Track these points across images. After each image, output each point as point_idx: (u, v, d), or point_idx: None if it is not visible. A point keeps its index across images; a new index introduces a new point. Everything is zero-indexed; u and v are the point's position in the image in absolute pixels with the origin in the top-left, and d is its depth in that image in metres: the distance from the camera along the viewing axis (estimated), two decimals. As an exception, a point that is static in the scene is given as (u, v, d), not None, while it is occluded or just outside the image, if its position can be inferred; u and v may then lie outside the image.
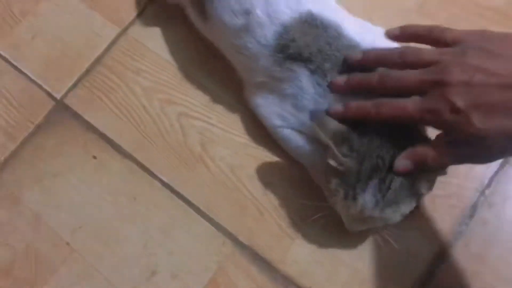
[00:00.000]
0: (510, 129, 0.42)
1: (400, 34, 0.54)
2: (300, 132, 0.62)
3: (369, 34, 0.58)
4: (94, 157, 0.70)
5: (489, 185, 0.63)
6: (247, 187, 0.66)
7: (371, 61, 0.53)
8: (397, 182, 0.50)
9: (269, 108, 0.63)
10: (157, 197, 0.67)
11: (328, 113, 0.53)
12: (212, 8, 0.63)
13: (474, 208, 0.62)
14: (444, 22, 0.53)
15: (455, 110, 0.43)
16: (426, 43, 0.52)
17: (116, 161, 0.69)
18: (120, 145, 0.70)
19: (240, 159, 0.67)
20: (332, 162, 0.52)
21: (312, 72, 0.57)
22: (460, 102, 0.43)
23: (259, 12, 0.59)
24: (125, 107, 0.72)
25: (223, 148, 0.68)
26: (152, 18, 0.77)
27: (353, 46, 0.56)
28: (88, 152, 0.70)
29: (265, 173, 0.66)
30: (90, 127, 0.71)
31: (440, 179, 0.62)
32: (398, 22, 0.57)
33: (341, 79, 0.55)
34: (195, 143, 0.69)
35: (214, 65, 0.72)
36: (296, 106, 0.60)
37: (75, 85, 0.74)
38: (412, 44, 0.53)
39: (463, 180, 0.63)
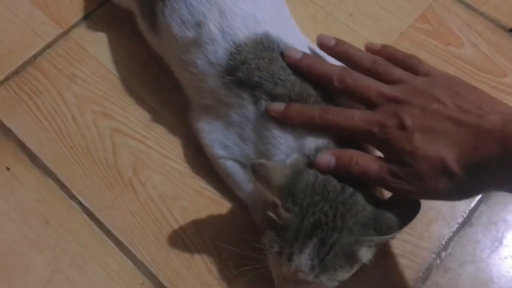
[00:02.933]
0: (444, 159, 0.42)
1: (380, 50, 0.52)
2: (243, 165, 0.55)
3: (329, 60, 0.53)
4: (7, 168, 0.60)
5: (446, 246, 0.56)
6: (178, 222, 0.57)
7: (340, 52, 0.51)
8: (338, 246, 0.43)
9: (213, 135, 0.56)
10: (72, 222, 0.58)
11: (268, 111, 0.49)
12: (162, 17, 0.56)
13: (428, 271, 0.55)
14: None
15: (401, 126, 0.43)
16: (400, 67, 0.49)
17: (32, 175, 0.60)
18: (39, 157, 0.61)
19: (174, 189, 0.59)
20: (271, 215, 0.45)
21: (257, 99, 0.51)
22: (409, 121, 0.43)
23: (212, 25, 0.52)
24: (52, 115, 0.63)
25: (157, 174, 0.60)
26: (99, 23, 0.70)
27: None
28: (0, 161, 0.60)
29: (200, 208, 0.58)
30: (8, 134, 0.62)
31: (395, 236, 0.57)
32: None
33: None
34: (127, 166, 0.60)
35: (160, 82, 0.65)
36: (241, 136, 0.53)
37: (-1, 84, 0.65)
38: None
39: (419, 239, 0.57)
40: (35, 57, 0.67)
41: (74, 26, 0.70)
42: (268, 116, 0.50)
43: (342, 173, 0.46)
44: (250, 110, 0.51)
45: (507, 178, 0.41)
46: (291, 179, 0.45)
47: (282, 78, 0.50)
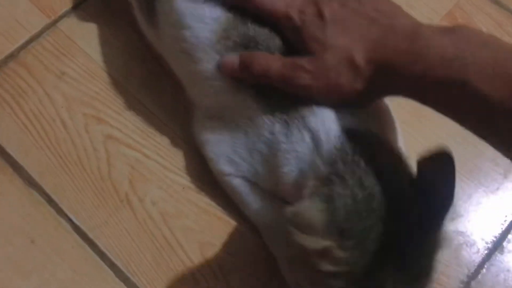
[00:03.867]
0: (351, 51, 0.42)
1: None
2: (251, 182, 0.49)
3: None
4: (-13, 179, 0.54)
5: (475, 275, 0.52)
6: (181, 243, 0.52)
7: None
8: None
9: (218, 147, 0.50)
10: (62, 242, 0.52)
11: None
12: (162, 11, 0.49)
13: (456, 300, 0.51)
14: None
15: (319, 15, 0.44)
16: None
17: (15, 187, 0.54)
18: (23, 167, 0.54)
19: (176, 205, 0.53)
20: (326, 266, 0.38)
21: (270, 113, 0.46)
22: (326, 12, 0.44)
23: None
24: (38, 118, 0.57)
25: (156, 188, 0.54)
26: (92, 14, 0.63)
27: None
28: (-21, 171, 0.54)
29: (205, 228, 0.52)
30: (-13, 139, 0.55)
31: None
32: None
33: None
34: (122, 178, 0.54)
35: (161, 83, 0.58)
36: (248, 146, 0.47)
37: (-24, 82, 0.58)
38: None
39: (445, 266, 0.52)
40: (18, 50, 0.60)
41: (63, 16, 0.62)
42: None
43: (243, 75, 0.46)
44: (254, 109, 0.46)
45: (414, 80, 0.40)
46: (330, 212, 0.38)
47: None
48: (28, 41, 0.61)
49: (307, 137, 0.44)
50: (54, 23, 0.62)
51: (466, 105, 0.38)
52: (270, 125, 0.46)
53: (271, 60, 0.45)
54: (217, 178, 0.52)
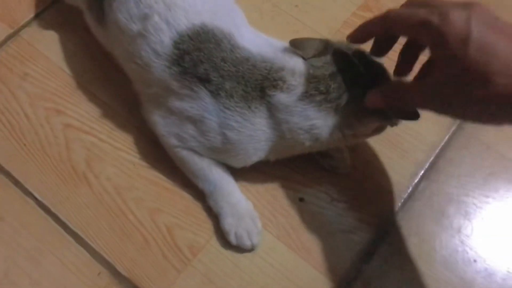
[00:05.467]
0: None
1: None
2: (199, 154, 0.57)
3: (267, 45, 0.55)
4: (-41, 168, 0.61)
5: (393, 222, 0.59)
6: (133, 211, 0.59)
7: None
8: None
9: (168, 127, 0.57)
10: (28, 217, 0.58)
11: None
12: (110, 11, 0.57)
13: (374, 245, 0.58)
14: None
15: (466, 23, 0.40)
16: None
17: (-15, 174, 0.60)
18: (-9, 156, 0.61)
19: (128, 180, 0.60)
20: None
21: (214, 94, 0.52)
22: (474, 24, 0.40)
23: (157, 17, 0.54)
24: (4, 114, 0.64)
25: (110, 166, 0.61)
26: (50, 22, 0.71)
27: (250, 57, 0.53)
28: (-48, 161, 0.61)
29: (155, 198, 0.60)
30: (-41, 133, 0.62)
31: (341, 213, 0.59)
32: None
33: None
34: (80, 159, 0.61)
35: (111, 77, 0.66)
36: (201, 130, 0.54)
37: None
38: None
39: (367, 215, 0.59)
40: (-15, 57, 0.68)
41: (24, 26, 0.70)
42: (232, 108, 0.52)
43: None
44: (209, 103, 0.53)
45: None
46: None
47: (225, 69, 0.52)
48: (-7, 48, 0.69)
49: None
50: (17, 32, 0.69)
51: None
52: (227, 112, 0.52)
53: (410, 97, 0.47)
54: (167, 151, 0.59)
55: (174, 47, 0.53)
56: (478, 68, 0.40)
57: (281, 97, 0.52)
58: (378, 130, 0.55)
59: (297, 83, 0.52)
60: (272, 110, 0.52)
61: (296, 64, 0.53)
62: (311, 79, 0.51)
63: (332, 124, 0.52)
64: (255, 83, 0.52)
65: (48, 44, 0.69)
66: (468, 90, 0.41)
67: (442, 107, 0.45)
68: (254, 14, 0.71)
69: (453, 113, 0.45)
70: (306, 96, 0.51)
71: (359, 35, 0.51)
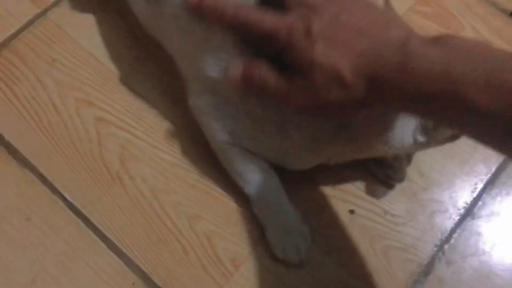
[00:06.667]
0: (338, 68, 0.41)
1: None
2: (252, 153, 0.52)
3: None
4: (-17, 162, 0.56)
5: (448, 239, 0.55)
6: (170, 217, 0.54)
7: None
8: None
9: (222, 120, 0.51)
10: (57, 219, 0.54)
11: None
12: None
13: (431, 264, 0.54)
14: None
15: (307, 32, 0.42)
16: None
17: (11, 168, 0.56)
18: (18, 150, 0.57)
19: (165, 182, 0.56)
20: None
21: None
22: (315, 28, 0.42)
23: None
24: (31, 103, 0.59)
25: (146, 166, 0.56)
26: (80, 2, 0.65)
27: None
28: (-25, 154, 0.56)
29: (194, 202, 0.55)
30: (-17, 124, 0.58)
31: (396, 229, 0.55)
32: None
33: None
34: (114, 157, 0.57)
35: (148, 67, 0.61)
36: (261, 129, 0.49)
37: (-30, 69, 0.60)
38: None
39: (421, 232, 0.55)
40: (10, 39, 0.63)
41: (52, 5, 0.65)
42: None
43: (246, 87, 0.46)
44: None
45: (406, 95, 0.39)
46: None
47: None
48: (18, 30, 0.63)
49: None
50: (44, 12, 0.64)
51: (462, 118, 0.37)
52: None
53: (269, 76, 0.45)
54: (212, 146, 0.54)
55: None
56: (328, 68, 0.41)
57: None
58: (453, 138, 0.51)
59: None
60: None
61: None
62: None
63: (406, 128, 0.48)
64: None
65: (78, 27, 0.64)
66: (327, 95, 0.42)
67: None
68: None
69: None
70: None
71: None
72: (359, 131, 0.48)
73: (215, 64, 0.49)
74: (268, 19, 0.44)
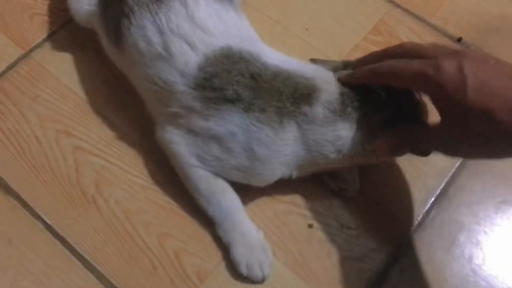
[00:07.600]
0: (491, 116, 0.41)
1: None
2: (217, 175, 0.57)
3: (293, 61, 0.57)
4: (-32, 189, 0.61)
5: (402, 248, 0.58)
6: (141, 236, 0.58)
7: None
8: None
9: (189, 148, 0.56)
10: (36, 241, 0.58)
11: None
12: (128, 35, 0.57)
13: (385, 273, 0.57)
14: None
15: (459, 70, 0.42)
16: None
17: (-6, 196, 0.60)
18: (1, 177, 0.62)
19: (137, 203, 0.60)
20: None
21: (245, 110, 0.53)
22: (467, 68, 0.42)
23: (180, 41, 0.54)
24: (14, 135, 0.64)
25: (119, 189, 0.61)
26: (61, 43, 0.71)
27: (281, 72, 0.54)
28: (-38, 183, 0.61)
29: (163, 221, 0.59)
30: (-31, 155, 0.63)
31: (351, 241, 0.59)
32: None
33: None
34: (89, 182, 0.61)
35: (122, 100, 0.66)
36: (226, 147, 0.54)
37: (-41, 106, 0.65)
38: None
39: (375, 243, 0.59)
40: (-4, 78, 0.68)
41: (36, 47, 0.71)
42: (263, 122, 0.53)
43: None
44: (237, 118, 0.53)
45: None
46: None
47: (258, 86, 0.53)
48: (4, 70, 0.68)
49: None
50: (28, 53, 0.70)
51: None
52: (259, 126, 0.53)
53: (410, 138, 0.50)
54: (181, 173, 0.58)
55: (200, 70, 0.53)
56: (480, 107, 0.41)
57: (314, 110, 0.53)
58: (398, 151, 0.55)
59: (329, 95, 0.53)
60: (301, 123, 0.53)
61: (327, 76, 0.55)
62: (341, 91, 0.53)
63: (355, 137, 0.53)
64: (289, 97, 0.53)
65: (59, 66, 0.69)
66: (474, 130, 0.43)
67: (451, 150, 0.47)
68: (264, 37, 0.71)
69: (463, 154, 0.47)
70: (336, 107, 0.52)
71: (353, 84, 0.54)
72: (313, 143, 0.54)
73: (175, 100, 0.55)
74: (414, 63, 0.45)
